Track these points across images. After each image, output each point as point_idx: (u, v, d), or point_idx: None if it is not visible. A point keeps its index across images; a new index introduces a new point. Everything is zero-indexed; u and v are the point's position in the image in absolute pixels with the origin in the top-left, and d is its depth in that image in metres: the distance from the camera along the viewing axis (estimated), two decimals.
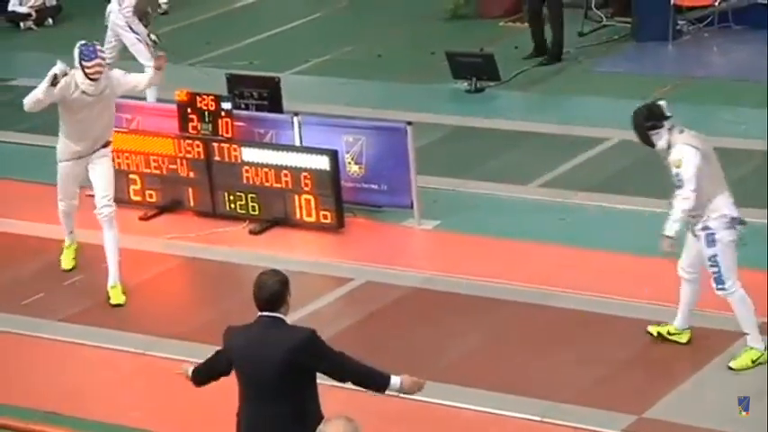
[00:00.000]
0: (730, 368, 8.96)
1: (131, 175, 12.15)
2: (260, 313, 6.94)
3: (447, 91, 14.71)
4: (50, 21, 18.87)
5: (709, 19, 16.04)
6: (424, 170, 11.74)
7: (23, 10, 18.67)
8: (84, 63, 10.06)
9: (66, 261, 10.95)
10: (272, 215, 11.68)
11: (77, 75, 10.10)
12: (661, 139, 8.89)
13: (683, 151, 8.81)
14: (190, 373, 7.18)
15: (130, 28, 14.04)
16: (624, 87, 14.51)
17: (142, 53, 13.99)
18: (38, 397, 9.32)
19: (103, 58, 10.16)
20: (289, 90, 12.65)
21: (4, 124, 14.53)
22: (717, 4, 15.97)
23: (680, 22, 16.02)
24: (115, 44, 14.08)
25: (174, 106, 12.08)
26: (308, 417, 6.63)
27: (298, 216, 11.55)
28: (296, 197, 11.51)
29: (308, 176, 11.42)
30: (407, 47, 16.39)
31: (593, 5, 16.80)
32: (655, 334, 9.28)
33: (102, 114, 10.26)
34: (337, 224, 11.47)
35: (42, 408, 9.05)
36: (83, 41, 10.23)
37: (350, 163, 11.70)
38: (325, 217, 11.46)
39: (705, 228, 8.87)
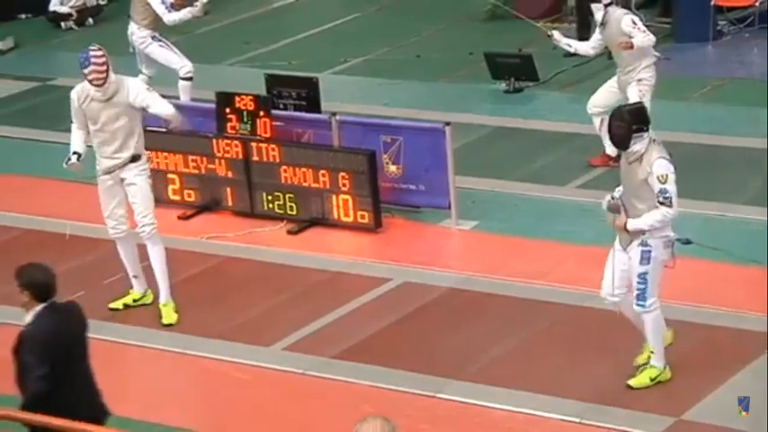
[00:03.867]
0: (629, 386, 8.86)
1: (170, 175, 12.21)
2: (45, 302, 7.47)
3: (485, 91, 14.69)
4: (91, 20, 18.99)
5: (750, 19, 15.95)
6: (461, 171, 11.74)
7: (64, 10, 18.80)
8: (83, 71, 9.96)
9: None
10: (310, 215, 11.70)
11: (86, 84, 10.05)
12: (640, 144, 8.60)
13: (668, 166, 8.57)
14: None
15: (155, 37, 13.78)
16: (664, 88, 14.42)
17: (173, 60, 13.83)
18: None
19: (99, 63, 9.89)
20: (327, 90, 12.68)
21: (45, 123, 14.65)
22: (758, 4, 15.88)
23: (720, 23, 15.95)
24: (149, 61, 13.90)
25: (213, 106, 12.13)
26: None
27: (335, 216, 11.57)
28: (334, 197, 11.53)
29: (346, 176, 11.43)
30: (446, 47, 16.39)
31: (632, 6, 16.74)
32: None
33: (118, 120, 10.05)
34: (375, 224, 11.48)
35: None
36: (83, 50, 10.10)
37: (388, 163, 11.71)
38: (363, 217, 11.47)
39: (644, 244, 8.65)
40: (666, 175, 8.52)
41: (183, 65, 13.86)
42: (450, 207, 11.54)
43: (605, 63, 15.44)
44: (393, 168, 11.71)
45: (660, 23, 16.46)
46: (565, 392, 8.92)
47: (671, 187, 8.52)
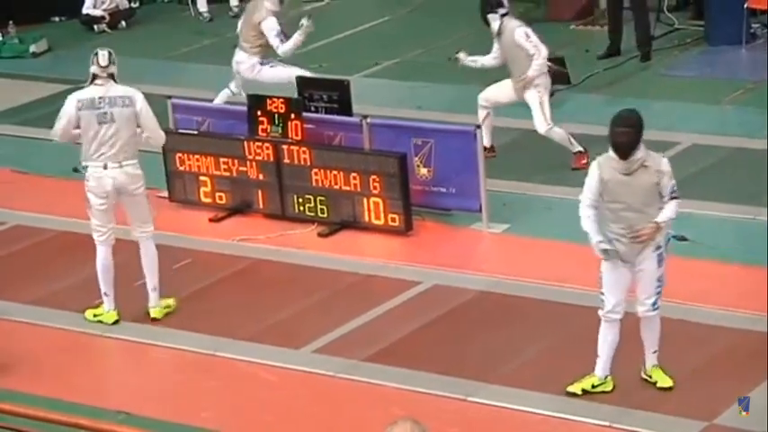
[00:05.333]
0: (665, 389, 8.80)
1: (201, 177, 12.25)
2: None
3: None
4: (123, 24, 19.09)
5: None
6: (493, 173, 11.73)
7: (97, 13, 18.90)
8: None
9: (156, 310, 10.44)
10: (341, 218, 11.71)
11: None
12: (642, 150, 8.43)
13: (667, 162, 8.55)
14: None
15: (263, 63, 13.47)
16: (696, 91, 14.41)
17: (289, 74, 13.23)
18: (109, 397, 9.42)
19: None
20: (358, 93, 12.68)
21: None
22: None
23: (754, 26, 15.86)
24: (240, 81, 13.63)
25: (245, 108, 12.16)
26: None
27: (366, 219, 11.58)
28: (365, 200, 11.53)
29: (377, 179, 11.44)
30: (478, 50, 16.31)
31: (665, 8, 16.70)
32: (579, 392, 8.85)
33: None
34: (405, 227, 11.47)
35: (112, 407, 9.14)
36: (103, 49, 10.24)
37: (419, 166, 11.70)
38: (394, 220, 11.47)
39: (658, 247, 8.59)
40: (670, 172, 8.51)
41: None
42: (480, 210, 11.53)
43: (637, 65, 15.47)
44: (424, 171, 11.71)
45: (693, 26, 16.42)
46: (597, 396, 8.89)
47: (674, 181, 8.54)
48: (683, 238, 8.78)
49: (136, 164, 10.14)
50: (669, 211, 8.52)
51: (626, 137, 8.38)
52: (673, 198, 8.51)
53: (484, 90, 12.88)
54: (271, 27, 13.40)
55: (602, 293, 8.81)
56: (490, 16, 12.55)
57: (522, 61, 12.38)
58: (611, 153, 8.52)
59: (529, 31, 12.43)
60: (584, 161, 12.15)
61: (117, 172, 10.09)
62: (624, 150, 8.41)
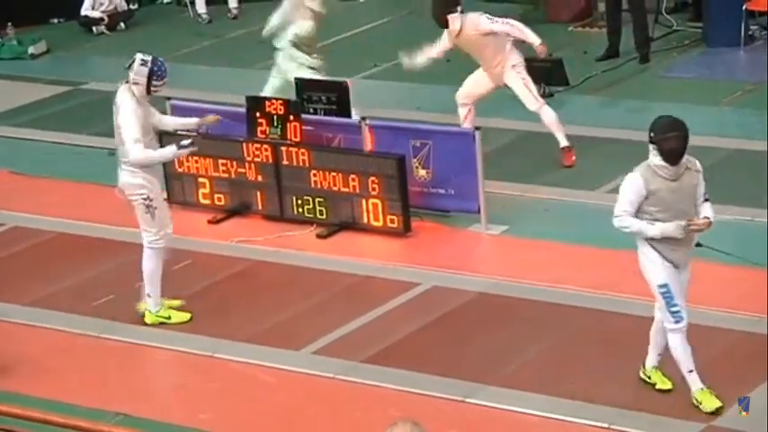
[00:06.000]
0: (667, 390, 8.76)
1: (200, 179, 12.25)
2: None
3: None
4: (122, 25, 19.11)
5: None
6: (491, 175, 11.72)
7: (96, 15, 18.92)
8: (154, 81, 10.03)
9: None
10: (340, 219, 11.71)
11: (136, 90, 10.00)
12: (685, 153, 8.38)
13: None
14: None
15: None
16: (694, 93, 14.41)
17: None
18: (107, 398, 9.41)
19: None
20: (357, 94, 12.68)
21: (77, 127, 14.72)
22: None
23: (752, 27, 15.88)
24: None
25: (243, 110, 12.16)
26: None
27: (365, 220, 11.58)
28: (363, 201, 11.54)
29: (376, 181, 11.44)
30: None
31: (663, 10, 16.71)
32: (718, 406, 8.61)
33: None
34: (404, 229, 11.48)
35: (111, 409, 9.14)
36: (146, 56, 10.08)
37: (417, 167, 11.71)
38: (393, 221, 11.48)
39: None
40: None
41: None
42: (479, 211, 11.53)
43: (636, 67, 15.47)
44: (423, 172, 11.71)
45: (691, 28, 16.43)
46: (594, 398, 8.90)
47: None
48: (697, 245, 8.74)
49: (133, 172, 10.05)
50: (710, 211, 8.42)
51: (678, 141, 8.20)
52: (706, 200, 8.43)
53: (462, 89, 12.82)
54: None
55: (674, 306, 8.45)
56: (451, 16, 12.43)
57: (490, 48, 12.34)
58: (654, 161, 8.26)
59: (487, 15, 12.41)
60: (574, 158, 12.30)
61: (120, 171, 10.17)
62: (677, 155, 8.23)
